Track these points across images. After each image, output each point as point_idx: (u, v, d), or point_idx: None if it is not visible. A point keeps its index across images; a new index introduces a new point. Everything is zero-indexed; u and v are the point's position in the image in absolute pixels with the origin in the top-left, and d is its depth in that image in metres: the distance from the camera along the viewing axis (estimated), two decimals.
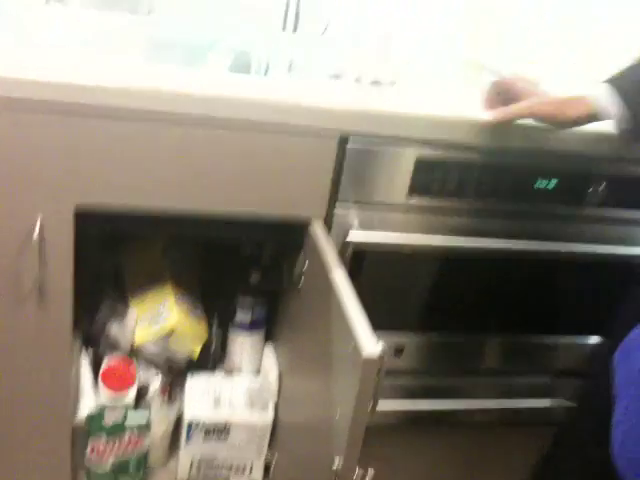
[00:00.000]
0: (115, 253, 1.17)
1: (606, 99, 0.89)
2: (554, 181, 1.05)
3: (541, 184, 1.05)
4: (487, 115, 0.97)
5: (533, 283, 1.14)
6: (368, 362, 0.71)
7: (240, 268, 1.19)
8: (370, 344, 0.72)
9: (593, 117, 0.91)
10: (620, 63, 0.92)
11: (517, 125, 0.98)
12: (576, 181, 1.06)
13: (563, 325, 1.20)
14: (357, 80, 1.06)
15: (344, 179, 0.98)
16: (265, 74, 1.14)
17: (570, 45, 1.44)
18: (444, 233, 1.04)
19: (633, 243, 1.11)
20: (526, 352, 1.20)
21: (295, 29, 0.94)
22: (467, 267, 1.09)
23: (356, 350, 0.73)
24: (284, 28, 1.03)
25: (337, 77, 1.07)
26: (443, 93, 1.12)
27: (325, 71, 1.09)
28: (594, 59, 1.41)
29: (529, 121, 0.96)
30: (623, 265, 1.12)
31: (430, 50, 1.36)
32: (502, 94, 0.99)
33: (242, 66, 1.26)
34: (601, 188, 1.06)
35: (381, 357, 0.73)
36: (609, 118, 0.90)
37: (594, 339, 1.21)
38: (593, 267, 1.12)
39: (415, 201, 1.02)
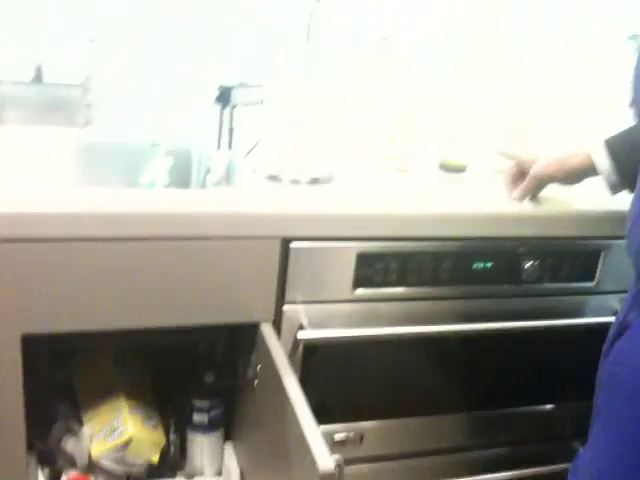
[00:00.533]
0: (66, 367, 1.16)
1: (596, 155, 0.99)
2: (490, 263, 1.10)
3: (478, 266, 1.10)
4: (514, 197, 1.11)
5: (483, 359, 1.18)
6: (325, 477, 0.72)
7: (194, 368, 1.19)
8: (325, 458, 0.73)
9: (589, 170, 1.01)
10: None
11: (453, 215, 1.04)
12: (511, 261, 1.11)
13: (520, 396, 1.23)
14: (295, 181, 1.10)
15: (290, 279, 1.01)
16: (205, 175, 1.17)
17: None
18: (391, 321, 1.07)
19: (571, 314, 1.16)
20: (485, 425, 1.23)
21: (230, 145, 0.97)
22: (417, 351, 1.12)
23: (312, 464, 0.74)
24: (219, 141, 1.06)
25: (275, 178, 1.11)
26: (380, 188, 1.17)
27: (263, 172, 1.12)
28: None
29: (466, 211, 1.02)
30: (566, 334, 1.17)
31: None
32: (518, 172, 1.12)
33: (183, 168, 1.29)
34: (535, 264, 1.11)
35: (338, 467, 0.74)
36: (599, 173, 1.00)
37: (549, 406, 1.25)
38: (538, 339, 1.17)
39: (360, 294, 1.05)
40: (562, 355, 1.21)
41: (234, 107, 0.92)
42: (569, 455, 1.29)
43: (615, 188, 1.01)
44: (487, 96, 1.40)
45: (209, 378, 1.18)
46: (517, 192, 1.11)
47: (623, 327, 0.72)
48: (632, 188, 0.99)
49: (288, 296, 1.01)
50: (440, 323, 1.08)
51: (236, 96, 0.92)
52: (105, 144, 1.29)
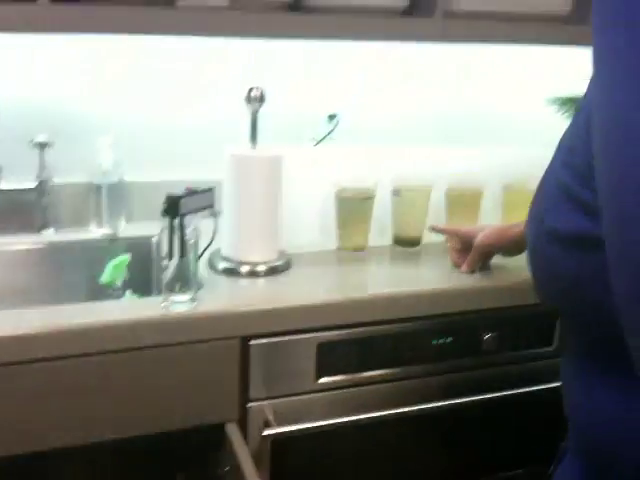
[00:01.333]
0: None
1: None
2: (449, 338, 1.12)
3: (438, 342, 1.11)
4: (462, 270, 1.15)
5: (453, 433, 1.18)
6: None
7: (164, 470, 1.18)
8: None
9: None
10: None
11: (409, 296, 1.06)
12: (470, 334, 1.13)
13: (490, 464, 1.24)
14: (251, 273, 1.11)
15: (252, 377, 1.01)
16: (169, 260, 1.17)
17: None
18: (357, 407, 1.07)
19: (534, 379, 1.17)
20: None
21: (183, 254, 0.99)
22: (385, 433, 1.12)
23: None
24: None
25: (232, 272, 1.12)
26: (335, 273, 1.19)
27: (219, 265, 1.13)
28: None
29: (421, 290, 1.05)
30: (530, 399, 1.19)
31: None
32: (462, 246, 1.17)
33: (143, 262, 1.30)
34: (494, 335, 1.13)
35: None
36: None
37: (520, 472, 1.26)
38: (502, 407, 1.18)
39: (324, 383, 1.06)
40: (527, 419, 1.22)
41: (184, 216, 0.93)
42: None
43: None
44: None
45: (180, 477, 1.17)
46: (464, 266, 1.15)
47: (562, 453, 0.71)
48: None
49: (252, 393, 1.02)
50: (405, 403, 1.08)
51: (186, 204, 0.93)
52: (63, 243, 1.30)
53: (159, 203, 1.34)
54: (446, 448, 1.20)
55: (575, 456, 0.66)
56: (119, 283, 1.25)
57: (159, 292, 1.29)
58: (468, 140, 1.56)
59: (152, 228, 1.35)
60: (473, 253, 1.14)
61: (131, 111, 1.40)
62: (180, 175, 1.40)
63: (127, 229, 1.37)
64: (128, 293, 1.23)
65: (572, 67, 1.55)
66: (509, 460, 1.25)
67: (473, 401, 1.12)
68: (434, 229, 1.25)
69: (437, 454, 1.20)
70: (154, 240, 1.35)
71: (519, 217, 1.33)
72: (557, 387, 1.17)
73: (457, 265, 1.17)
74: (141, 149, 1.41)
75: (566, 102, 1.39)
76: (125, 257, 1.26)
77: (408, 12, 1.29)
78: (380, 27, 1.29)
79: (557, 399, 1.22)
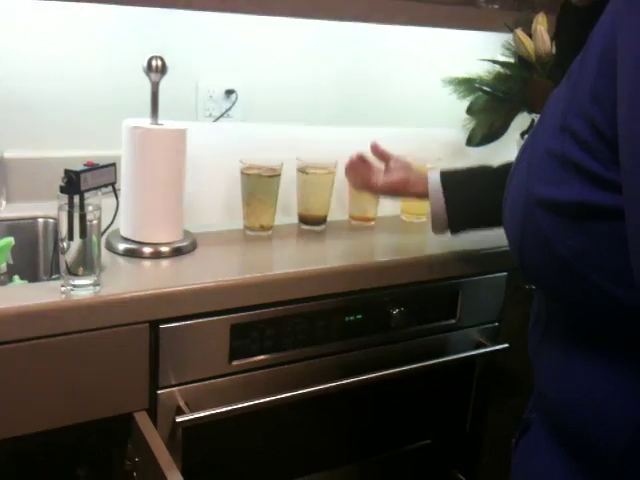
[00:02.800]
0: None
1: (433, 187, 1.07)
2: (360, 315, 1.12)
3: (349, 320, 1.11)
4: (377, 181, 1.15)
5: (364, 408, 1.20)
6: None
7: (63, 463, 1.10)
8: None
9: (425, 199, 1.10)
10: None
11: (318, 273, 1.05)
12: (379, 311, 1.14)
13: (400, 436, 1.26)
14: (154, 254, 1.05)
15: (162, 363, 0.96)
16: (68, 241, 1.08)
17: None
18: (272, 388, 1.05)
19: (439, 352, 1.21)
20: (372, 471, 1.25)
21: (83, 233, 0.91)
22: (301, 412, 1.11)
23: None
24: None
25: (134, 253, 1.05)
26: (243, 252, 1.15)
27: (119, 246, 1.06)
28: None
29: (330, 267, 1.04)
30: (439, 372, 1.22)
31: None
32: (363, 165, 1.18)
33: (28, 241, 1.20)
34: (402, 311, 1.15)
35: None
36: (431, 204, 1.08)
37: (427, 442, 1.29)
38: (412, 380, 1.20)
39: (237, 365, 1.02)
40: (436, 392, 1.26)
41: (84, 192, 0.86)
42: None
43: (438, 228, 1.10)
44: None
45: (81, 472, 1.09)
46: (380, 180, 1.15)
47: (525, 424, 0.71)
48: (454, 231, 1.10)
49: (162, 380, 0.97)
50: (320, 381, 1.08)
51: (86, 180, 0.86)
52: None
53: (44, 182, 1.25)
54: (360, 423, 1.21)
55: (543, 428, 0.66)
56: (3, 268, 1.14)
57: (49, 276, 1.20)
58: (369, 120, 1.57)
59: (37, 209, 1.25)
60: (381, 185, 1.15)
61: (8, 79, 1.27)
62: (69, 152, 1.30)
63: (7, 210, 1.25)
64: (16, 278, 1.13)
65: (467, 49, 1.61)
66: (419, 431, 1.28)
67: (385, 375, 1.13)
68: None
69: (352, 430, 1.20)
70: (40, 221, 1.24)
71: None
72: (462, 358, 1.23)
73: (350, 177, 1.21)
74: (23, 123, 1.29)
75: (461, 83, 1.43)
76: (8, 240, 1.15)
77: None
78: (288, 3, 1.26)
79: (462, 370, 1.27)
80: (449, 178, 1.09)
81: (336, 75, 1.59)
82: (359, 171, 1.20)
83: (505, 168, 1.09)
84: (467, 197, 1.08)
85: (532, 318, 0.72)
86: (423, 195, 1.11)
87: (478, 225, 1.10)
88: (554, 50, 1.34)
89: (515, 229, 0.60)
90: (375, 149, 1.21)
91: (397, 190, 1.15)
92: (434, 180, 1.09)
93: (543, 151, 0.57)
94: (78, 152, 1.26)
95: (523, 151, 0.62)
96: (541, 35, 1.32)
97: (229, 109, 1.48)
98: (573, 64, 0.57)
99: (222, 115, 1.47)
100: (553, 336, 0.65)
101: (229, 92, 1.48)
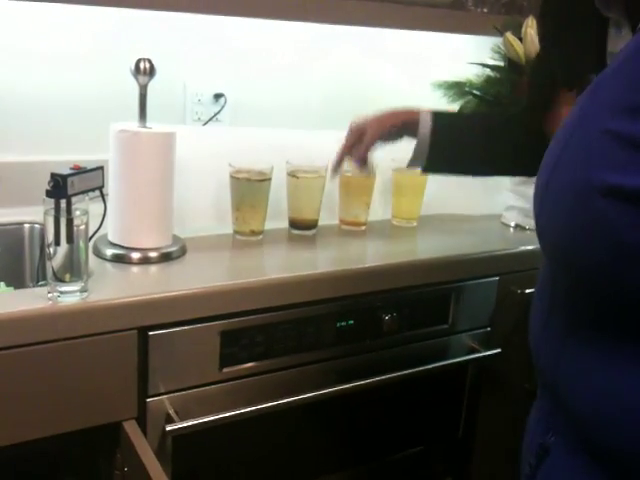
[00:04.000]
0: None
1: (423, 117, 1.06)
2: (351, 321, 1.11)
3: (341, 325, 1.10)
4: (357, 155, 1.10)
5: (357, 415, 1.18)
6: None
7: (50, 473, 1.07)
8: None
9: (410, 129, 1.07)
10: None
11: (309, 279, 1.04)
12: (371, 316, 1.13)
13: (394, 443, 1.25)
14: (143, 260, 1.04)
15: (151, 370, 0.94)
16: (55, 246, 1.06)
17: None
18: (263, 396, 1.03)
19: (431, 357, 1.20)
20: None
21: (70, 238, 0.89)
22: (292, 419, 1.09)
23: None
24: None
25: (122, 259, 1.04)
26: (232, 258, 1.14)
27: (106, 252, 1.04)
28: None
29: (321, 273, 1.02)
30: (428, 377, 1.21)
31: None
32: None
33: (14, 247, 1.18)
34: (393, 316, 1.14)
35: None
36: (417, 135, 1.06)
37: (419, 449, 1.28)
38: (404, 386, 1.19)
39: (228, 373, 1.01)
40: (428, 397, 1.25)
41: (71, 196, 0.84)
42: None
43: (415, 158, 1.08)
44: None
45: None
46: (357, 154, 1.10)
47: (543, 450, 0.64)
48: (428, 169, 1.10)
49: (151, 389, 0.95)
50: (312, 388, 1.06)
51: (73, 184, 0.84)
52: None
53: (30, 186, 1.23)
54: (352, 431, 1.19)
55: (566, 449, 0.61)
56: None
57: (35, 283, 1.18)
58: None
59: (22, 214, 1.23)
60: (368, 137, 1.09)
61: None
62: (55, 156, 1.28)
63: None
64: (2, 285, 1.10)
65: (456, 52, 1.60)
66: (412, 437, 1.27)
67: (377, 382, 1.12)
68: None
69: (344, 437, 1.19)
70: (26, 227, 1.22)
71: (408, 198, 1.36)
72: (454, 363, 1.22)
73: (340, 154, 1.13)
74: (8, 127, 1.27)
75: (451, 86, 1.43)
76: None
77: None
78: (276, 5, 1.25)
79: (454, 375, 1.26)
80: (439, 114, 1.08)
81: (326, 78, 1.58)
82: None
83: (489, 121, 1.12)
84: (453, 136, 1.08)
85: (540, 325, 0.66)
86: (412, 120, 1.08)
87: (453, 169, 1.12)
88: None
89: (562, 219, 0.55)
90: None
91: (386, 123, 1.09)
92: (425, 112, 1.08)
93: (602, 134, 0.51)
94: (65, 156, 1.24)
95: (566, 139, 0.56)
96: (531, 38, 1.32)
97: (218, 113, 1.46)
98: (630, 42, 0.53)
99: (211, 119, 1.46)
100: (581, 343, 0.59)
101: (218, 96, 1.47)
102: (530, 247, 1.30)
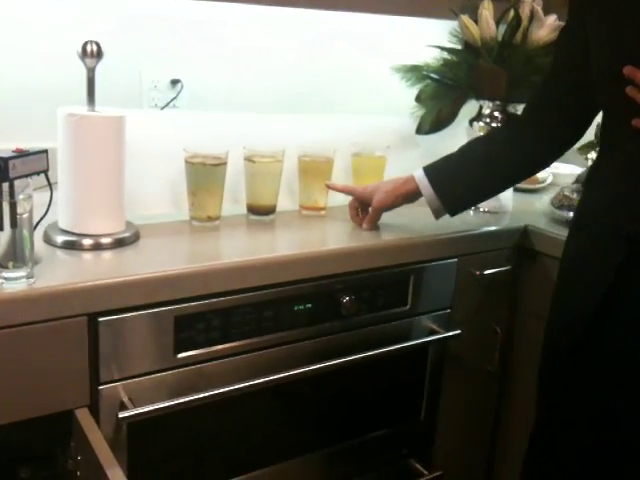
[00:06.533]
0: None
1: (420, 180, 1.16)
2: (309, 304, 1.10)
3: (299, 309, 1.09)
4: (364, 228, 1.22)
5: (316, 398, 1.18)
6: None
7: (4, 464, 1.05)
8: None
9: (418, 193, 1.17)
10: None
11: (266, 263, 1.03)
12: (329, 299, 1.12)
13: (357, 426, 1.25)
14: (95, 246, 1.02)
15: (103, 357, 0.93)
16: None
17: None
18: (220, 381, 1.02)
19: (391, 339, 1.20)
20: (329, 462, 1.23)
21: (14, 223, 0.86)
22: (250, 404, 1.08)
23: None
24: None
25: (72, 245, 1.01)
26: (188, 242, 1.12)
27: (57, 239, 1.02)
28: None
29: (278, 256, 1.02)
30: (389, 359, 1.21)
31: None
32: (360, 204, 1.24)
33: None
34: (352, 299, 1.14)
35: None
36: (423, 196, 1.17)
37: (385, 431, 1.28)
38: (365, 369, 1.19)
39: (183, 358, 1.00)
40: (389, 380, 1.25)
41: (14, 180, 0.82)
42: (409, 474, 1.34)
43: (438, 212, 1.17)
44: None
45: (25, 473, 1.05)
46: (365, 225, 1.22)
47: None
48: (452, 213, 1.17)
49: (103, 375, 0.93)
50: (270, 373, 1.05)
51: (16, 167, 0.82)
52: None
53: None
54: (313, 414, 1.19)
55: None
56: None
57: None
58: (318, 108, 1.56)
59: None
60: (372, 214, 1.21)
61: None
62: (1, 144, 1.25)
63: None
64: None
65: (416, 36, 1.60)
66: (376, 420, 1.27)
67: (337, 364, 1.12)
68: (330, 187, 1.27)
69: (307, 421, 1.19)
70: None
71: (368, 182, 1.36)
72: (415, 345, 1.22)
73: (356, 223, 1.24)
74: None
75: (410, 70, 1.42)
76: None
77: None
78: None
79: (415, 357, 1.26)
80: (430, 168, 1.17)
81: (284, 63, 1.56)
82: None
83: (470, 147, 1.20)
84: (451, 178, 1.16)
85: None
86: (413, 191, 1.18)
87: (474, 199, 1.23)
88: (499, 37, 1.35)
89: None
90: (333, 187, 1.27)
91: (387, 203, 1.20)
92: (418, 173, 1.17)
93: None
94: (12, 144, 1.21)
95: None
96: (486, 20, 1.32)
97: (174, 99, 1.44)
98: None
99: (167, 105, 1.44)
100: None
101: (174, 82, 1.45)
102: (489, 228, 1.30)
